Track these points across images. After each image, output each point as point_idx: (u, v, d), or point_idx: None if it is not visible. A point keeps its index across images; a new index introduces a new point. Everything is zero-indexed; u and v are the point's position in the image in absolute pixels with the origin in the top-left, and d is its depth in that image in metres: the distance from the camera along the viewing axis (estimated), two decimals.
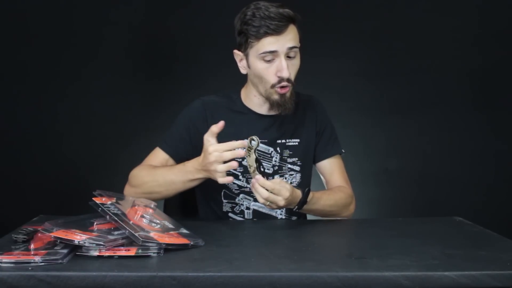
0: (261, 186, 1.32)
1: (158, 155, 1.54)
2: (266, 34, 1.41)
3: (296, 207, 1.42)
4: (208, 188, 1.58)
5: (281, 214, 1.58)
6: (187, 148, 1.53)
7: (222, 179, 1.32)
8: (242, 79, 1.59)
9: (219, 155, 1.29)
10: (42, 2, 2.76)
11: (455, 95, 2.88)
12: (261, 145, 1.54)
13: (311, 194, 1.43)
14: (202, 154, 1.35)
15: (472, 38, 2.86)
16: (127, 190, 1.50)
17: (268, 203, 1.34)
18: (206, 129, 1.53)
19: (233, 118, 1.54)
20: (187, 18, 2.82)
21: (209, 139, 1.33)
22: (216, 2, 2.77)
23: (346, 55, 2.85)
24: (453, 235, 1.33)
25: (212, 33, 2.76)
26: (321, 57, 2.72)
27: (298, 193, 1.41)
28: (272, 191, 1.33)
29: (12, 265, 0.98)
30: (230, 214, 1.57)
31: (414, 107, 2.89)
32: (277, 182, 1.35)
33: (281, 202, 1.34)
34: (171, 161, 1.53)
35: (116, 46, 2.84)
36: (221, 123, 1.33)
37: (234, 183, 1.54)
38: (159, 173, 1.46)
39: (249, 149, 1.32)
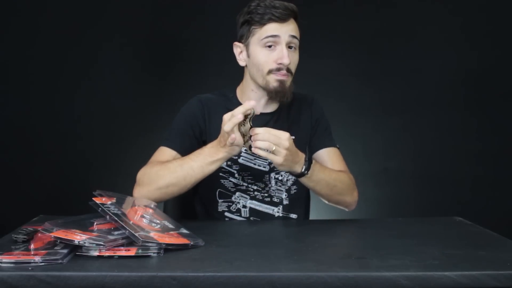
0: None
1: (165, 153, 1.49)
2: (270, 20, 1.45)
3: (304, 167, 1.37)
4: (203, 189, 1.59)
5: (278, 212, 1.58)
6: (192, 143, 1.51)
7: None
8: (241, 79, 1.59)
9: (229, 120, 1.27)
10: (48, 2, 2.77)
11: (455, 95, 2.88)
12: None
13: (313, 161, 1.41)
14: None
15: (472, 38, 2.86)
16: (138, 191, 1.41)
17: (273, 147, 1.28)
18: (205, 126, 1.54)
19: None
20: (191, 18, 2.83)
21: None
22: (219, 3, 2.77)
23: (346, 55, 2.86)
24: (453, 235, 1.33)
25: (215, 34, 2.76)
26: (321, 57, 2.72)
27: (300, 152, 1.37)
28: (269, 132, 1.28)
29: (12, 265, 0.98)
30: (226, 214, 1.57)
31: (414, 107, 2.89)
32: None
33: (285, 141, 1.28)
34: (178, 157, 1.49)
35: (118, 47, 2.84)
36: (252, 103, 1.28)
37: (230, 181, 1.55)
38: (174, 164, 1.40)
39: (245, 118, 1.29)
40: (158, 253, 1.06)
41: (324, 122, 1.66)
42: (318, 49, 2.69)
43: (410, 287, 0.95)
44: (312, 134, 1.63)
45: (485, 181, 2.89)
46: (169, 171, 1.39)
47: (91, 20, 2.80)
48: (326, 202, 1.54)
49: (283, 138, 1.29)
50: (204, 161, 1.36)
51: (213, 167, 1.37)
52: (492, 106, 2.89)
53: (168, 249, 1.08)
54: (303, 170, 1.37)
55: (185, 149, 1.50)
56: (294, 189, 1.60)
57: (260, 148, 1.29)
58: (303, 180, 1.41)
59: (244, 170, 1.55)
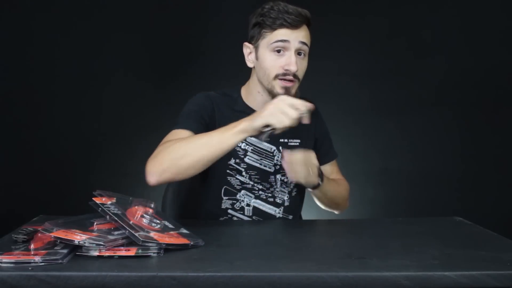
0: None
1: (179, 134, 1.40)
2: (282, 26, 1.43)
3: (319, 178, 1.51)
4: (209, 185, 1.58)
5: (279, 213, 1.59)
6: (205, 129, 1.44)
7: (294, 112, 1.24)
8: (244, 79, 1.59)
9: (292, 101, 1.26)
10: (49, 1, 2.77)
11: (456, 95, 2.88)
12: (263, 142, 1.55)
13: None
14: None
15: (471, 39, 2.86)
16: (149, 162, 1.30)
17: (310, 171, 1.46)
18: (214, 119, 1.51)
19: (235, 117, 1.53)
20: (193, 19, 2.82)
21: None
22: (223, 4, 2.77)
23: (346, 55, 2.86)
24: (453, 235, 1.33)
25: (217, 35, 2.77)
26: (321, 57, 2.70)
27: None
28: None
29: (12, 265, 0.98)
30: (229, 211, 1.57)
31: (414, 107, 2.89)
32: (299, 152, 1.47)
33: (315, 159, 1.48)
34: None
35: (119, 48, 2.84)
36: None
37: (236, 179, 1.55)
38: (193, 137, 1.33)
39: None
40: (158, 253, 1.06)
41: (328, 134, 1.72)
42: (319, 48, 2.68)
43: (410, 287, 0.95)
44: (317, 147, 1.66)
45: (485, 181, 2.89)
46: (186, 141, 1.31)
47: (93, 21, 2.79)
48: (322, 207, 1.64)
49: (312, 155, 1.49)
50: (224, 132, 1.28)
51: (232, 141, 1.27)
52: (491, 106, 2.89)
53: (168, 249, 1.08)
54: (320, 181, 1.51)
55: (200, 131, 1.40)
56: (295, 191, 1.62)
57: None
58: (315, 191, 1.53)
59: (251, 169, 1.55)
